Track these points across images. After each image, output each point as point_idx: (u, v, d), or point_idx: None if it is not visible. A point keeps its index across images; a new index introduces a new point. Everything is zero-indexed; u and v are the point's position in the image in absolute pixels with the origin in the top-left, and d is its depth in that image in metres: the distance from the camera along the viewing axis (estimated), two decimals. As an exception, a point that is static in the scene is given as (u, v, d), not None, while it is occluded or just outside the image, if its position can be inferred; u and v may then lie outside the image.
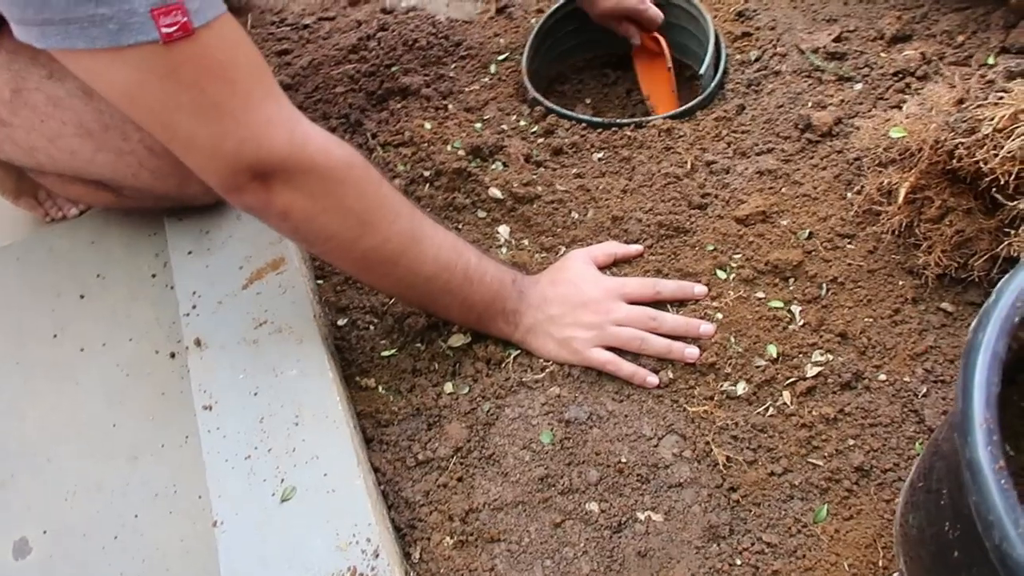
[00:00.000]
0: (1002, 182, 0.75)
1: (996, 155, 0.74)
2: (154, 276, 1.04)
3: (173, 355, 0.97)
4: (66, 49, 0.65)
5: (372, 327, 0.94)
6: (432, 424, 0.84)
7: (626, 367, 0.83)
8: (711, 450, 0.78)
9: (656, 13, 1.22)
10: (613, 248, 0.93)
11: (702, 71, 1.13)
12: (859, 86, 1.08)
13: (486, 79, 1.22)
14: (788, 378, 0.82)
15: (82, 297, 1.04)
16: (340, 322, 0.95)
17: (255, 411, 0.81)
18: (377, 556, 0.69)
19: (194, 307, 0.92)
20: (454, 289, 0.82)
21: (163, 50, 0.65)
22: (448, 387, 0.87)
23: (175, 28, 0.64)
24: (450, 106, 1.18)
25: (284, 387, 0.82)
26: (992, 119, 0.75)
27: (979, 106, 0.78)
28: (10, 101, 0.87)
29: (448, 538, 0.76)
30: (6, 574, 0.82)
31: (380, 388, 0.88)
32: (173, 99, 0.68)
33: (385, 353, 0.91)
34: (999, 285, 0.44)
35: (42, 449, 0.91)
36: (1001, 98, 0.76)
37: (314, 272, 1.00)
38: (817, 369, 0.82)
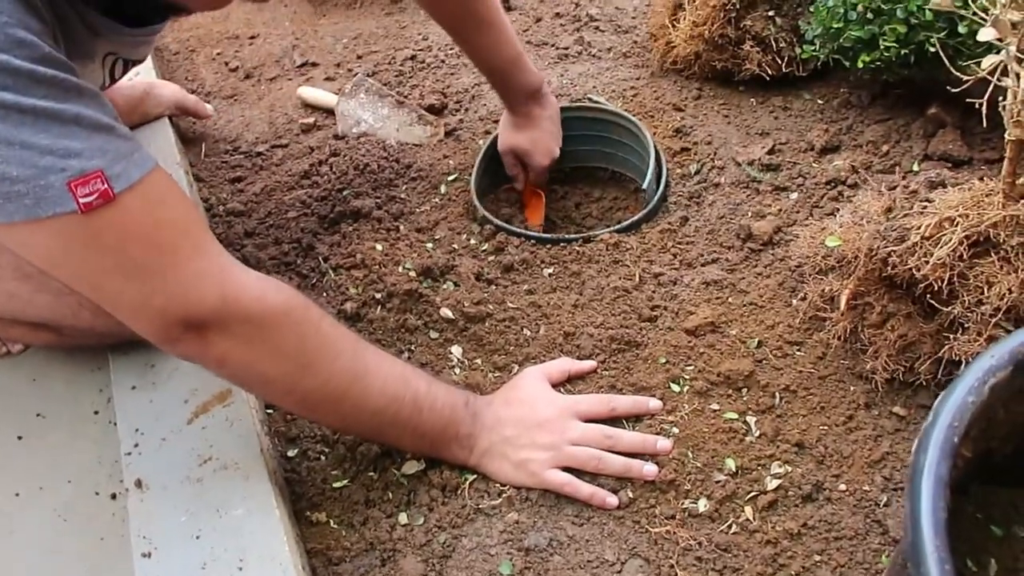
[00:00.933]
0: (936, 288, 0.77)
1: (927, 262, 0.77)
2: (97, 413, 1.01)
3: (114, 496, 0.92)
4: None
5: (323, 457, 0.91)
6: (386, 560, 0.81)
7: (584, 489, 0.81)
8: (676, 574, 0.76)
9: (542, 172, 1.26)
10: (567, 365, 0.93)
11: (645, 185, 1.16)
12: (795, 195, 1.12)
13: (436, 199, 1.25)
14: (749, 492, 0.81)
15: (20, 438, 1.00)
16: (290, 453, 0.92)
17: (197, 556, 0.76)
18: None
19: (136, 445, 0.88)
20: (403, 420, 0.81)
21: (83, 219, 0.65)
22: (403, 518, 0.84)
23: (94, 196, 0.65)
24: (401, 227, 1.20)
25: (229, 528, 0.78)
26: (919, 227, 0.78)
27: (906, 215, 0.81)
28: None
29: None
30: None
31: (331, 522, 0.85)
32: (97, 264, 0.68)
33: (337, 484, 0.88)
34: (936, 404, 0.44)
35: (-34, 609, 0.85)
36: (925, 207, 0.80)
37: (263, 403, 0.97)
38: (777, 482, 0.81)
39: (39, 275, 0.89)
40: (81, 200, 0.64)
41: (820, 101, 1.30)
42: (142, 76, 1.51)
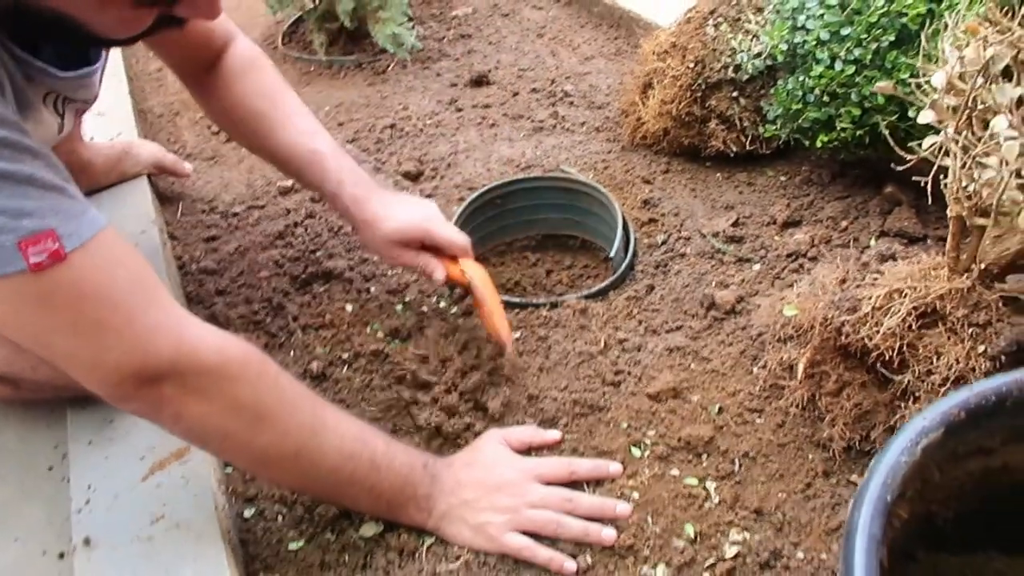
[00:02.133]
0: (887, 357, 0.79)
1: (878, 332, 0.79)
2: (51, 469, 0.99)
3: (62, 555, 0.90)
4: None
5: (281, 517, 0.89)
6: (338, 625, 0.79)
7: (542, 554, 0.81)
8: (632, 642, 0.75)
9: (452, 237, 1.02)
10: (529, 435, 0.92)
11: (612, 254, 1.19)
12: (757, 266, 1.15)
13: (408, 263, 1.26)
14: (707, 559, 0.81)
15: (-32, 494, 0.97)
16: (247, 513, 0.90)
17: (142, 619, 0.74)
18: None
19: (88, 502, 0.86)
20: (360, 479, 0.80)
21: (33, 278, 0.65)
22: (358, 582, 0.82)
23: (45, 256, 0.65)
24: (372, 289, 1.21)
25: (176, 590, 0.76)
26: (870, 298, 0.80)
27: (858, 286, 0.84)
28: None
29: None
30: None
31: (285, 586, 0.83)
32: (48, 323, 0.68)
33: (293, 546, 0.86)
34: (871, 463, 0.45)
35: None
36: (876, 279, 0.83)
37: (222, 461, 0.96)
38: (736, 549, 0.81)
39: (-3, 329, 0.89)
40: (32, 260, 0.64)
41: (783, 178, 1.35)
42: (124, 135, 1.53)
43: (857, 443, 0.86)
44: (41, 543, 0.91)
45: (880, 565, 0.41)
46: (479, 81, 1.79)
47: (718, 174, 1.38)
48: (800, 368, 0.89)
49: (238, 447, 0.77)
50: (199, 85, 1.13)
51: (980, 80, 0.67)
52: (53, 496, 0.95)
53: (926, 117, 0.71)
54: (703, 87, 1.35)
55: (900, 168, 0.76)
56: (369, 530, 0.86)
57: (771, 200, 1.30)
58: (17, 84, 0.77)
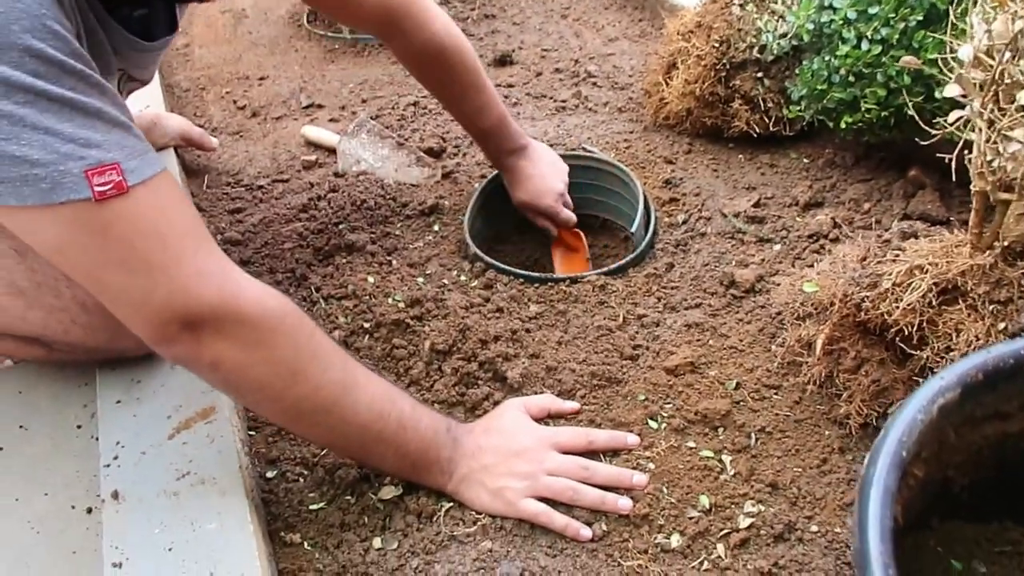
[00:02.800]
0: (906, 333, 0.79)
1: (897, 307, 0.79)
2: (79, 427, 1.01)
3: (90, 510, 0.92)
4: None
5: (302, 479, 0.91)
6: (357, 582, 0.80)
7: (559, 519, 0.82)
8: (645, 607, 0.76)
9: (569, 216, 1.29)
10: (548, 402, 0.94)
11: (633, 230, 1.19)
12: (778, 247, 1.16)
13: (430, 237, 1.28)
14: (722, 530, 0.81)
15: (0, 450, 1.00)
16: (269, 474, 0.92)
17: (168, 568, 0.76)
18: None
19: (116, 458, 0.89)
20: (388, 438, 0.81)
21: (95, 207, 0.67)
22: (377, 542, 0.84)
23: (109, 187, 0.67)
24: (394, 262, 1.22)
25: (201, 542, 0.78)
26: (891, 274, 0.80)
27: (879, 262, 0.84)
28: None
29: None
30: None
31: (305, 544, 0.85)
32: (104, 254, 0.69)
33: (313, 507, 0.88)
34: (887, 421, 0.45)
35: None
36: (897, 255, 0.83)
37: (247, 423, 0.98)
38: (750, 520, 0.82)
39: (33, 291, 0.91)
40: (96, 188, 0.66)
41: (806, 160, 1.35)
42: (151, 108, 1.55)
43: (874, 420, 0.86)
44: (70, 497, 0.94)
45: (895, 521, 0.42)
46: (503, 61, 1.80)
47: (740, 155, 1.38)
48: (818, 345, 0.89)
49: (271, 399, 0.78)
50: (392, 40, 1.19)
51: (1008, 54, 0.66)
52: (82, 453, 0.97)
53: (952, 91, 0.71)
54: (727, 67, 1.34)
55: (925, 143, 0.75)
56: (388, 493, 0.88)
57: (793, 181, 1.30)
58: (102, 51, 0.80)
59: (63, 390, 1.05)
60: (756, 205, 1.24)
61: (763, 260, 1.14)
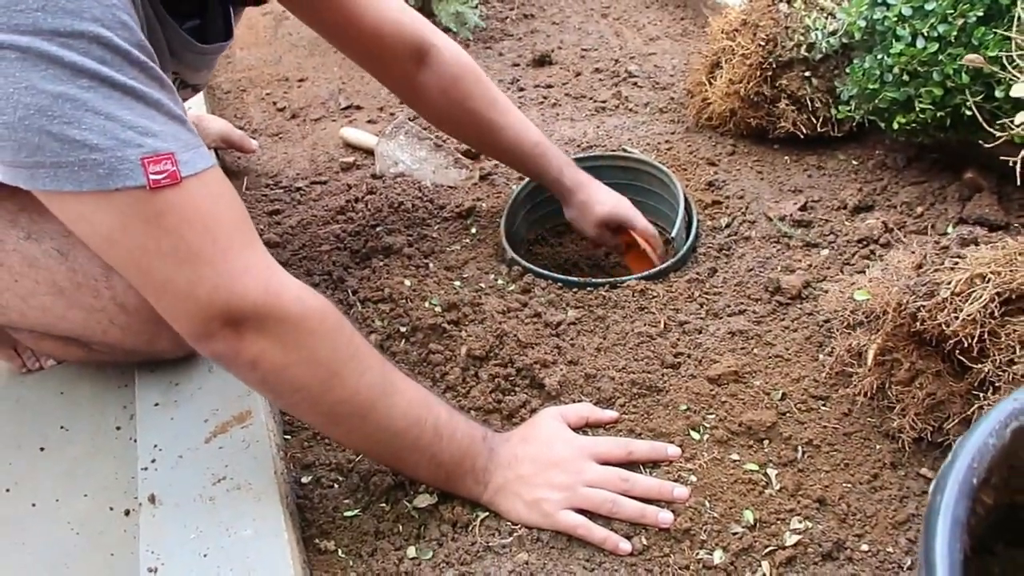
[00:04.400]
0: (966, 344, 0.76)
1: (957, 318, 0.75)
2: (119, 429, 1.02)
3: (128, 512, 0.93)
4: (53, 191, 0.68)
5: (336, 485, 0.91)
6: (391, 592, 0.79)
7: (598, 532, 0.80)
8: (687, 626, 0.73)
9: (647, 225, 1.21)
10: (587, 411, 0.92)
11: (674, 234, 1.16)
12: (825, 252, 1.12)
13: (467, 240, 1.26)
14: (767, 546, 0.78)
15: (42, 450, 1.01)
16: (304, 479, 0.91)
17: (203, 574, 0.76)
18: None
19: (153, 461, 0.89)
20: (423, 445, 0.80)
21: (149, 196, 0.68)
22: (411, 551, 0.82)
23: (164, 176, 0.68)
24: (431, 265, 1.21)
25: (236, 548, 0.78)
26: (949, 283, 0.77)
27: (936, 270, 0.80)
28: None
29: None
30: None
31: (340, 551, 0.84)
32: (153, 244, 0.69)
33: (348, 513, 0.87)
34: (956, 444, 0.43)
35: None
36: (956, 263, 0.79)
37: (282, 427, 0.97)
38: (796, 537, 0.79)
39: (73, 291, 0.92)
40: (151, 176, 0.67)
41: (855, 162, 1.30)
42: (193, 110, 1.57)
43: (929, 435, 0.82)
44: (109, 499, 0.94)
45: (964, 555, 0.39)
46: (542, 61, 1.78)
47: (786, 157, 1.34)
48: (870, 355, 0.85)
49: (309, 401, 0.77)
50: (408, 91, 1.18)
51: (1082, 51, 0.63)
52: (121, 455, 0.98)
53: (1019, 91, 0.67)
54: (773, 66, 1.30)
55: (989, 145, 0.72)
56: (423, 501, 0.86)
57: (842, 184, 1.25)
58: (164, 57, 0.81)
59: (103, 391, 1.06)
60: (803, 208, 1.20)
61: (810, 266, 1.10)
